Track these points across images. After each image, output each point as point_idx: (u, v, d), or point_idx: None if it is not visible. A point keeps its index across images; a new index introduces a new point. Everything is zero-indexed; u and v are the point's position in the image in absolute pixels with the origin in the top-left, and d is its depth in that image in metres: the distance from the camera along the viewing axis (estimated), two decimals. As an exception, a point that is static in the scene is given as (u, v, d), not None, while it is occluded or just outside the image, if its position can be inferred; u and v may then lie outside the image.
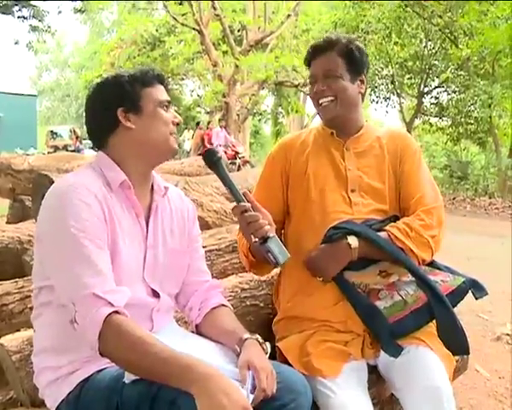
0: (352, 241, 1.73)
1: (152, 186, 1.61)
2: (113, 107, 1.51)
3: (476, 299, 1.76)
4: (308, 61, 1.95)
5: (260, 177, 2.03)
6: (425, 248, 1.76)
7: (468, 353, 1.75)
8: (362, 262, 1.76)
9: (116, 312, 1.30)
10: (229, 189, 1.60)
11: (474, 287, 1.77)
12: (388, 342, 1.67)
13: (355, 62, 1.88)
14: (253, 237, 1.58)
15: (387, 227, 1.77)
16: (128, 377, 1.31)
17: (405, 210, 1.85)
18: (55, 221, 1.38)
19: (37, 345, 1.50)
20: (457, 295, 1.75)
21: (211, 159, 1.62)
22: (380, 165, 1.89)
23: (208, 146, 14.94)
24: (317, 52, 1.91)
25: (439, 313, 1.69)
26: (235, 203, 1.60)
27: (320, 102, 1.88)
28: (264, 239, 1.56)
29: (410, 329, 1.69)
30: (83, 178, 1.46)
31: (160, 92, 1.56)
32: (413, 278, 1.73)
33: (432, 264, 1.84)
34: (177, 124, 1.59)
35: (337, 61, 1.86)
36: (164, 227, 1.59)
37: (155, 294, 1.54)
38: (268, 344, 1.52)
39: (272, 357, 1.58)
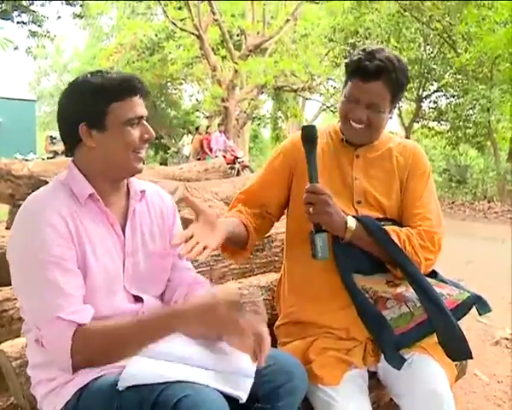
0: (351, 221, 1.70)
1: (128, 190, 1.58)
2: (76, 120, 1.44)
3: (480, 315, 1.76)
4: (350, 75, 1.79)
5: (266, 165, 1.97)
6: None
7: (470, 357, 1.73)
8: (370, 266, 1.76)
9: (79, 325, 1.33)
10: (310, 168, 1.68)
11: (479, 303, 1.76)
12: (392, 353, 1.66)
13: (399, 95, 1.80)
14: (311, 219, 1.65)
15: (388, 228, 1.74)
16: (121, 385, 1.32)
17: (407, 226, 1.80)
18: (22, 247, 1.38)
19: (30, 360, 1.51)
20: (462, 309, 1.74)
21: (311, 135, 1.69)
22: (388, 179, 1.85)
23: (206, 151, 14.93)
24: (365, 76, 1.73)
25: (433, 315, 1.67)
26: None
27: (352, 124, 1.80)
28: (318, 229, 1.64)
29: (413, 340, 1.69)
30: (49, 195, 1.44)
31: (130, 107, 1.45)
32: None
33: (436, 277, 1.84)
34: (147, 140, 1.51)
35: (384, 95, 1.75)
36: (143, 231, 1.58)
37: (138, 299, 1.54)
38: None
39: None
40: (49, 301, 1.33)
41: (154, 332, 1.36)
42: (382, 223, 1.76)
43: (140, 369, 1.38)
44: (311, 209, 1.65)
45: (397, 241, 1.71)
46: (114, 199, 1.53)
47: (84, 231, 1.42)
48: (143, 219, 1.59)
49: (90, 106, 1.43)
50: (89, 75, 1.48)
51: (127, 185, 1.59)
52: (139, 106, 1.48)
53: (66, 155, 1.58)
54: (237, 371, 1.39)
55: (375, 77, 1.73)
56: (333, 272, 1.74)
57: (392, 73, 1.74)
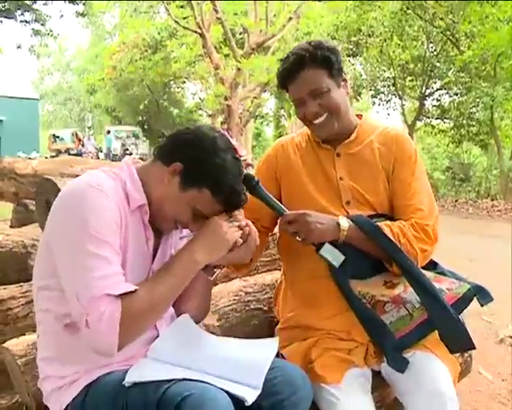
0: (343, 221, 1.69)
1: None
2: (182, 157, 1.46)
3: (482, 306, 1.73)
4: (284, 86, 1.83)
5: None
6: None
7: (472, 347, 1.68)
8: (367, 268, 1.75)
9: (124, 295, 1.30)
10: (271, 207, 1.69)
11: (480, 293, 1.73)
12: (394, 357, 1.65)
13: (333, 65, 1.76)
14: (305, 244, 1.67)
15: (380, 224, 1.71)
16: (128, 381, 1.32)
17: (399, 219, 1.77)
18: (75, 222, 1.33)
19: (40, 352, 1.50)
20: (463, 302, 1.71)
21: (250, 183, 1.64)
22: (373, 174, 1.81)
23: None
24: (291, 75, 1.77)
25: (430, 309, 1.65)
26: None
27: (314, 122, 1.79)
28: (318, 246, 1.66)
29: (414, 341, 1.68)
30: (105, 182, 1.41)
31: (212, 208, 1.48)
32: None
33: (435, 268, 1.82)
34: (187, 229, 1.56)
35: (318, 75, 1.75)
36: (171, 251, 1.60)
37: None
38: None
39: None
40: (98, 276, 1.28)
41: (183, 272, 1.43)
42: (374, 220, 1.74)
43: (146, 367, 1.39)
44: (298, 238, 1.67)
45: (390, 235, 1.69)
46: (155, 219, 1.52)
47: (128, 234, 1.43)
48: (173, 240, 1.62)
49: (198, 168, 1.45)
50: (228, 147, 1.50)
51: None
52: (216, 213, 1.50)
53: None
54: (244, 383, 1.38)
55: (297, 70, 1.75)
56: (330, 277, 1.73)
57: (306, 55, 1.74)
